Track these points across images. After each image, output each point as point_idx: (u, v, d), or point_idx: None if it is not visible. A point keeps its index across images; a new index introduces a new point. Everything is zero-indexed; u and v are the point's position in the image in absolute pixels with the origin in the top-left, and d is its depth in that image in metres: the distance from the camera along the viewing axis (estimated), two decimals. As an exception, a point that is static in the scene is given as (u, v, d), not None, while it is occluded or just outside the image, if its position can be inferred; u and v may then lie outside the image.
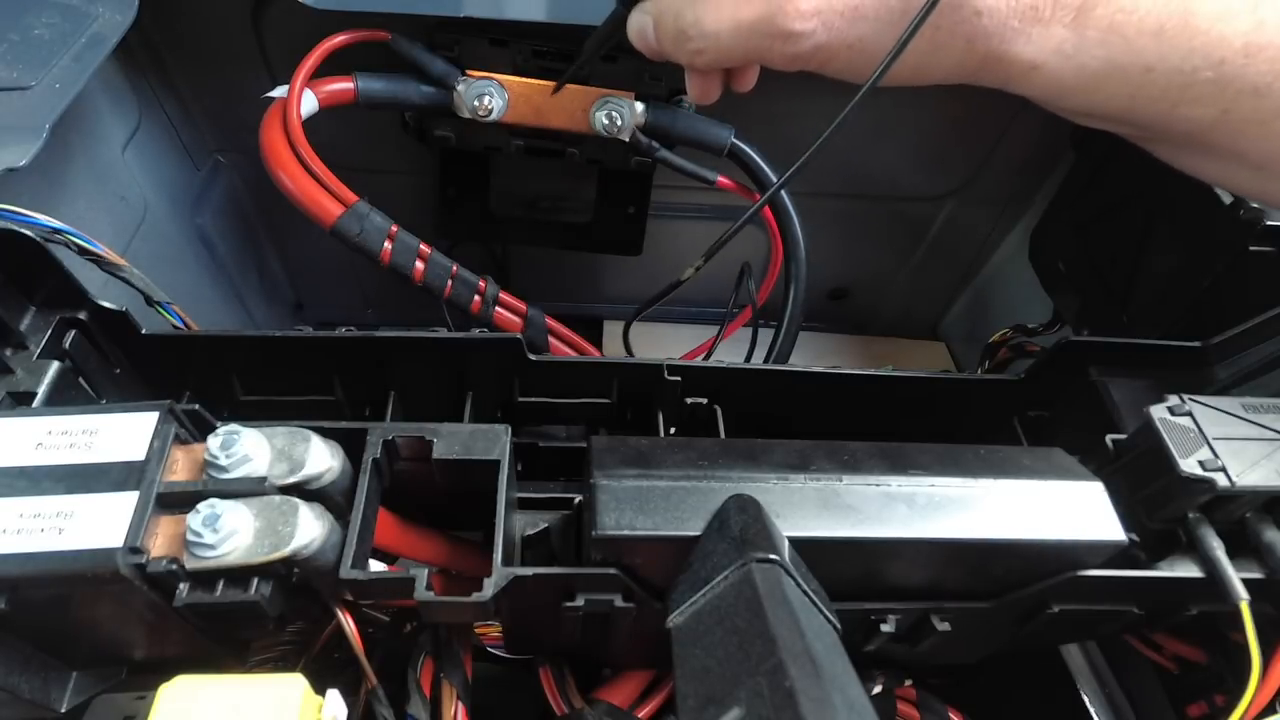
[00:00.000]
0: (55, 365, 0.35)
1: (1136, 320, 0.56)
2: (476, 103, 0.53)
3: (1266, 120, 0.33)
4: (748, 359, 0.59)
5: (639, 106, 0.54)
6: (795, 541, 0.30)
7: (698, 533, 0.30)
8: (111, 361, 0.38)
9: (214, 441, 0.30)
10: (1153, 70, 0.33)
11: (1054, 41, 0.33)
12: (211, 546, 0.28)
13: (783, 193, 0.56)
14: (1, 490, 0.28)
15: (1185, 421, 0.35)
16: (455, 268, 0.54)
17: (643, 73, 0.53)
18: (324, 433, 0.32)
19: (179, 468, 0.31)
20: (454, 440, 0.33)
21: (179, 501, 0.29)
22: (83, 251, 0.38)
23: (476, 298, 0.55)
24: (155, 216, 0.60)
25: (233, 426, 0.31)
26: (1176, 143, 0.36)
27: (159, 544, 0.29)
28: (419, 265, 0.52)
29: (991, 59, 0.34)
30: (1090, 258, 0.61)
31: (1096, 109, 0.35)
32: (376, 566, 0.33)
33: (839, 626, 0.30)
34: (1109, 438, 0.38)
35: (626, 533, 0.30)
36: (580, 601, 0.32)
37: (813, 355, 0.85)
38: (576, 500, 0.38)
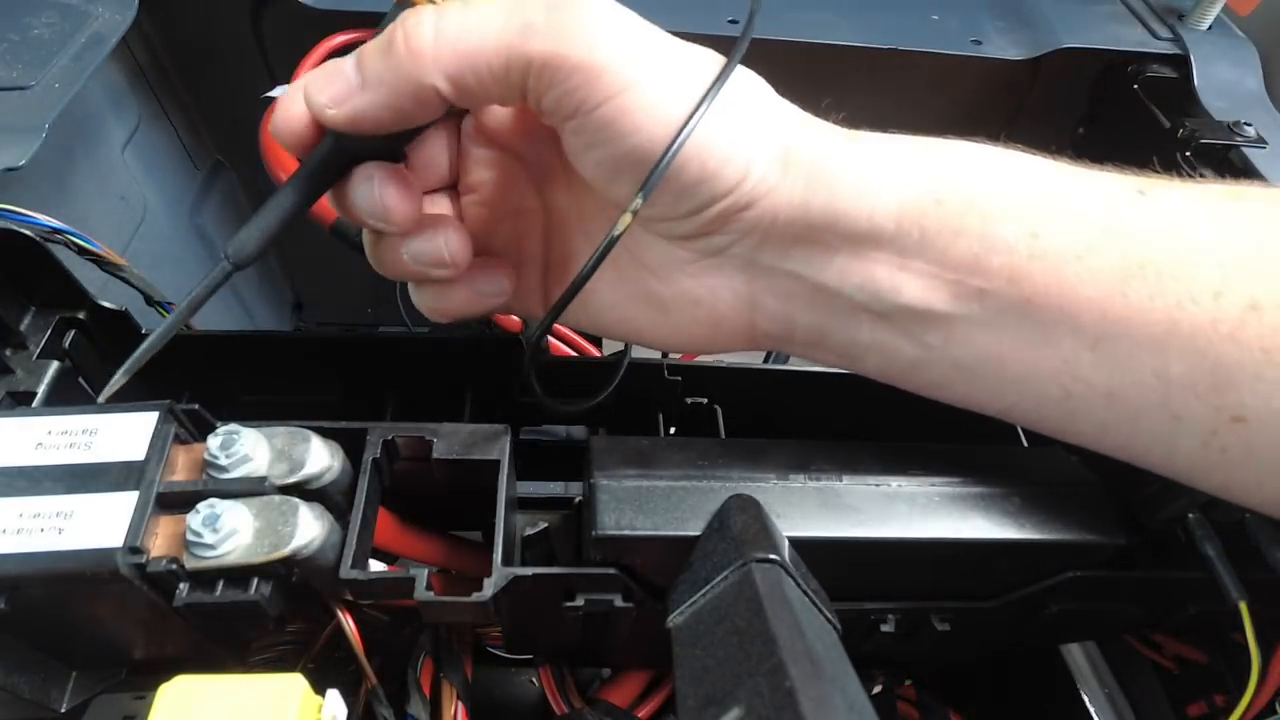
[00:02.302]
0: (55, 365, 0.35)
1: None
2: (476, 103, 0.53)
3: (1080, 251, 0.27)
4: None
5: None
6: (795, 541, 0.30)
7: (698, 533, 0.30)
8: (111, 361, 0.38)
9: (214, 441, 0.30)
10: (950, 174, 0.28)
11: (853, 143, 0.29)
12: (211, 546, 0.28)
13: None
14: (1, 490, 0.28)
15: (1185, 421, 0.34)
16: (455, 268, 0.54)
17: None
18: (324, 433, 0.32)
19: (179, 468, 0.31)
20: (454, 440, 0.33)
21: (179, 501, 0.29)
22: (83, 251, 0.38)
23: (476, 298, 0.55)
24: (155, 216, 0.60)
25: (233, 426, 0.31)
26: (997, 305, 0.28)
27: (159, 544, 0.29)
28: (419, 265, 0.52)
29: (794, 149, 0.28)
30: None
31: (900, 222, 0.28)
32: (376, 566, 0.33)
33: (839, 626, 0.30)
34: (1109, 438, 0.38)
35: (626, 532, 0.30)
36: (580, 601, 0.32)
37: (813, 355, 0.85)
38: (576, 500, 0.38)
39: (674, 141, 0.26)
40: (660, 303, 0.32)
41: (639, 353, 0.41)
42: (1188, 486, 0.30)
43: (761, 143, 0.28)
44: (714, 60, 0.28)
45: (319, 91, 0.27)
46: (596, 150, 0.27)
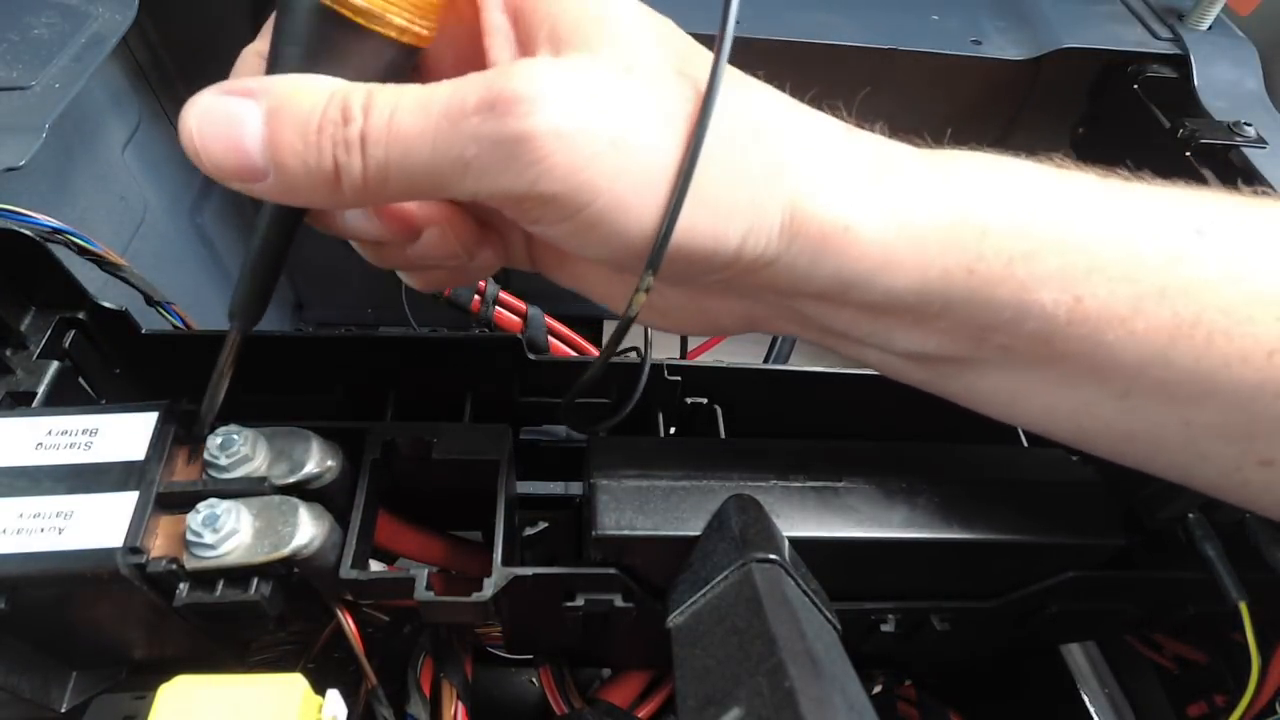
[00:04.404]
0: (55, 365, 0.35)
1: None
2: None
3: (1126, 315, 0.24)
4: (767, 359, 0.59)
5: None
6: (795, 541, 0.30)
7: (698, 533, 0.30)
8: (111, 361, 0.38)
9: (214, 441, 0.30)
10: (989, 233, 0.24)
11: (878, 195, 0.25)
12: (211, 546, 0.28)
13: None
14: (1, 490, 0.28)
15: (1185, 421, 0.34)
16: (455, 268, 0.54)
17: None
18: (324, 433, 0.32)
19: (179, 468, 0.31)
20: (454, 440, 0.33)
21: (179, 501, 0.29)
22: (83, 251, 0.38)
23: (476, 297, 0.55)
24: (155, 216, 0.60)
25: (232, 426, 0.31)
26: (1022, 358, 0.26)
27: (159, 544, 0.29)
28: (419, 265, 0.52)
29: (800, 217, 0.24)
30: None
31: (923, 295, 0.25)
32: (376, 566, 0.33)
33: (839, 626, 0.30)
34: (1109, 438, 0.38)
35: (626, 532, 0.30)
36: (580, 601, 0.32)
37: (813, 355, 0.85)
38: (577, 500, 0.38)
39: (655, 245, 0.23)
40: (652, 304, 0.28)
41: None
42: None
43: (760, 213, 0.24)
44: (694, 103, 0.23)
45: (214, 158, 0.23)
46: (568, 245, 0.25)
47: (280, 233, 0.27)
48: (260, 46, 0.25)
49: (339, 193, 0.23)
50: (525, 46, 0.23)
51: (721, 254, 0.24)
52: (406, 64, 0.25)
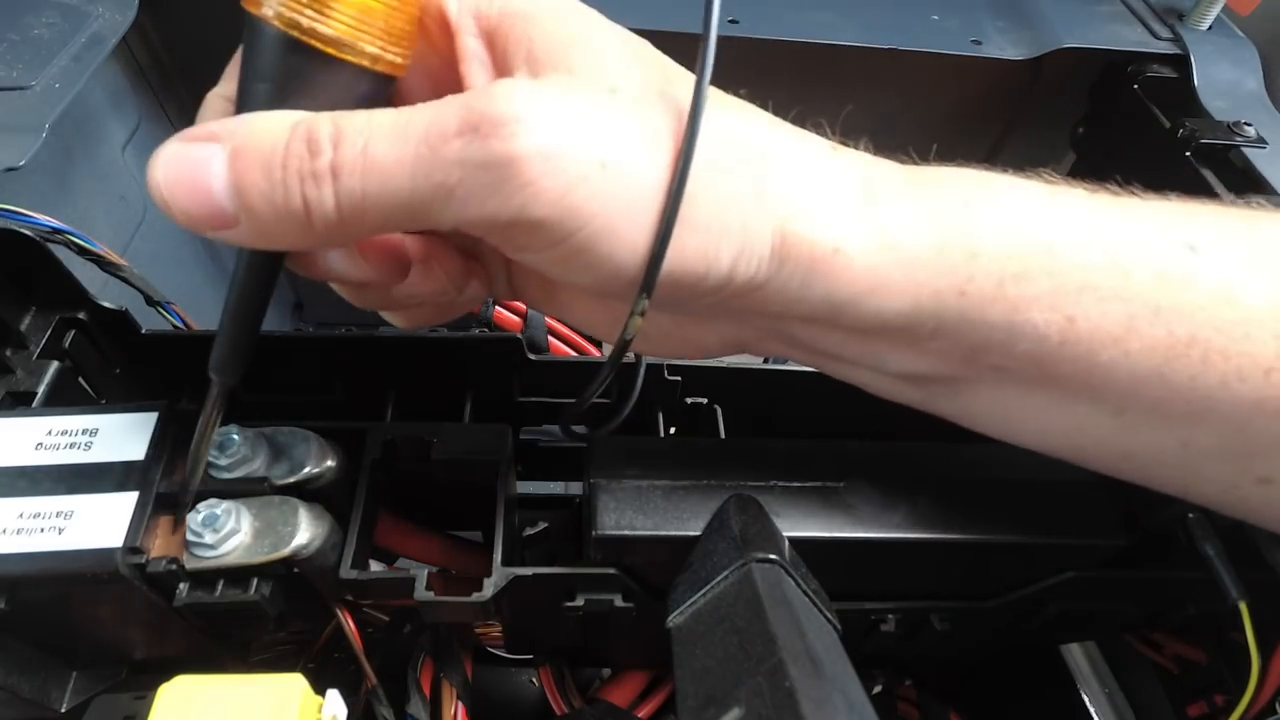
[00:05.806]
0: (55, 365, 0.35)
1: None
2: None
3: (1120, 335, 0.24)
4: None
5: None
6: (795, 541, 0.30)
7: (698, 533, 0.30)
8: (111, 361, 0.38)
9: (213, 442, 0.30)
10: (979, 254, 0.24)
11: (867, 217, 0.24)
12: (211, 546, 0.28)
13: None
14: (1, 490, 0.28)
15: (1185, 421, 0.34)
16: (455, 268, 0.54)
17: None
18: (324, 433, 0.32)
19: (179, 468, 0.31)
20: (454, 440, 0.33)
21: (179, 502, 0.29)
22: (83, 251, 0.38)
23: (476, 298, 0.55)
24: (155, 216, 0.60)
25: (232, 426, 0.31)
26: (1015, 378, 0.26)
27: (159, 544, 0.29)
28: (419, 265, 0.52)
29: (790, 240, 0.24)
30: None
31: (914, 317, 0.25)
32: (376, 566, 0.33)
33: (839, 626, 0.30)
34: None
35: (626, 532, 0.30)
36: (580, 601, 0.32)
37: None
38: (577, 500, 0.38)
39: (648, 269, 0.22)
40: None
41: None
42: None
43: (750, 235, 0.23)
44: (679, 124, 0.23)
45: (183, 207, 0.22)
46: (555, 273, 0.24)
47: (258, 281, 0.26)
48: (225, 89, 0.25)
49: (312, 231, 0.22)
50: (502, 71, 0.23)
51: (713, 277, 0.24)
52: (380, 96, 0.24)
